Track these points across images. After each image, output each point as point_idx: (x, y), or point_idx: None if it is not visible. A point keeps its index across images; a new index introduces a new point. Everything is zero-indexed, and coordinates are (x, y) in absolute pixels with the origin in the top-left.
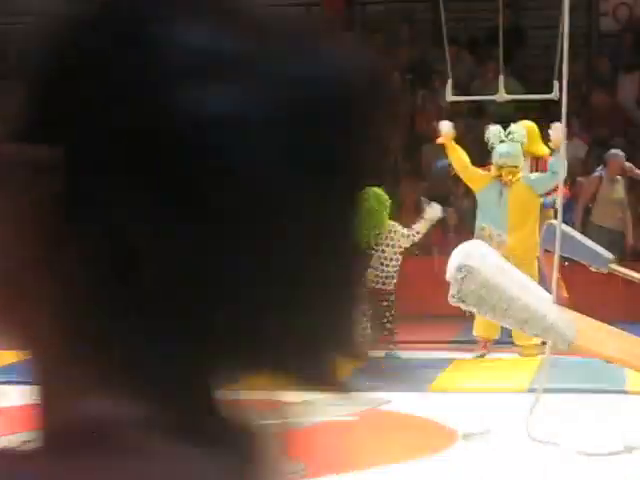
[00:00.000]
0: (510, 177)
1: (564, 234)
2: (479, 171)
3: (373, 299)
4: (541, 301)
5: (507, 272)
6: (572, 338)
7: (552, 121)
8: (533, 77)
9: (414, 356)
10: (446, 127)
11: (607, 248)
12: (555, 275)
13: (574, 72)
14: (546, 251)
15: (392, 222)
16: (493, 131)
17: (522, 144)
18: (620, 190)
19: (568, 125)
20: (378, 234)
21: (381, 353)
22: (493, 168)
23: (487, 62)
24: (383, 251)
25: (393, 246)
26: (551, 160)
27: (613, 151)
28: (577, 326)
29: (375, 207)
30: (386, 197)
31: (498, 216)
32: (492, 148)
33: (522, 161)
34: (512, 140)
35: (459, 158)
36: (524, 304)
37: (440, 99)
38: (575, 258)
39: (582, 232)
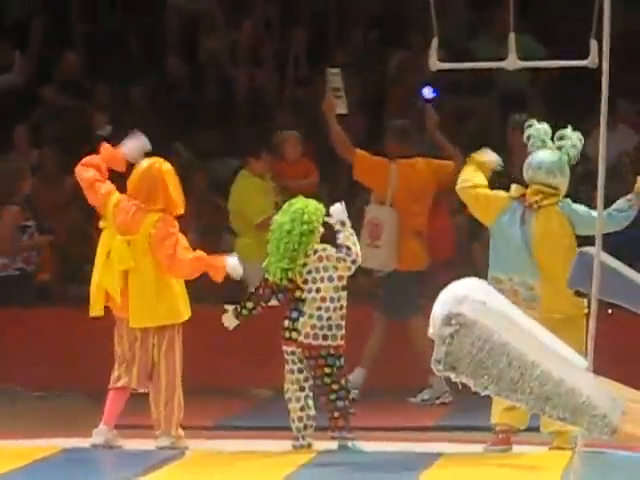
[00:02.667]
0: (536, 198)
1: (605, 268)
2: (486, 193)
3: (310, 363)
4: (571, 368)
5: (519, 325)
6: (616, 422)
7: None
8: (559, 35)
9: (382, 449)
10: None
11: None
12: (592, 330)
13: (618, 29)
14: (577, 292)
15: (323, 245)
16: (538, 129)
17: (572, 158)
18: None
19: (612, 105)
20: (303, 265)
21: (333, 443)
22: (514, 187)
23: (492, 14)
24: (318, 290)
25: (331, 279)
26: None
27: None
28: (624, 404)
29: (288, 228)
30: (311, 215)
31: (521, 256)
32: (531, 152)
33: (564, 182)
34: (559, 148)
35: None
36: (545, 372)
37: (422, 66)
38: (621, 303)
39: None
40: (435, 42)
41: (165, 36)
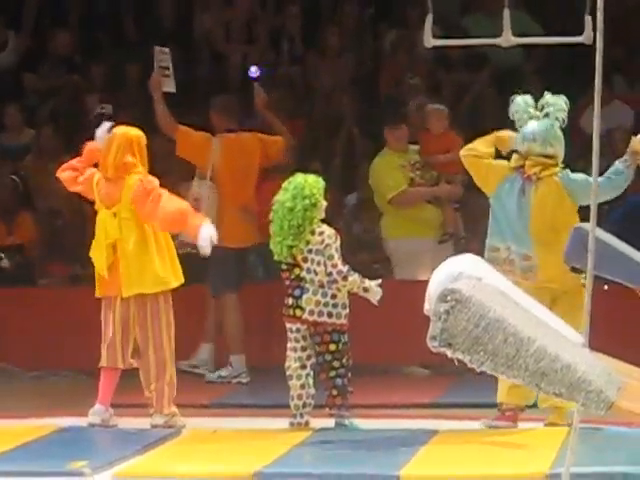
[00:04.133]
0: (535, 170)
1: (600, 244)
2: (488, 162)
3: (316, 339)
4: (567, 344)
5: (515, 301)
6: (612, 398)
7: (585, 76)
8: (554, 12)
9: (379, 427)
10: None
11: None
12: (587, 305)
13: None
14: (572, 269)
15: (330, 231)
16: (520, 103)
17: (561, 122)
18: None
19: (606, 82)
20: (306, 243)
21: (330, 421)
22: (514, 157)
23: None
24: (315, 272)
25: (326, 265)
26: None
27: None
28: (621, 380)
29: (290, 205)
30: (312, 188)
31: (518, 227)
32: (520, 127)
33: (560, 149)
34: (546, 116)
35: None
36: (541, 348)
37: (417, 43)
38: (616, 279)
39: None
40: (430, 19)
41: (159, 14)
